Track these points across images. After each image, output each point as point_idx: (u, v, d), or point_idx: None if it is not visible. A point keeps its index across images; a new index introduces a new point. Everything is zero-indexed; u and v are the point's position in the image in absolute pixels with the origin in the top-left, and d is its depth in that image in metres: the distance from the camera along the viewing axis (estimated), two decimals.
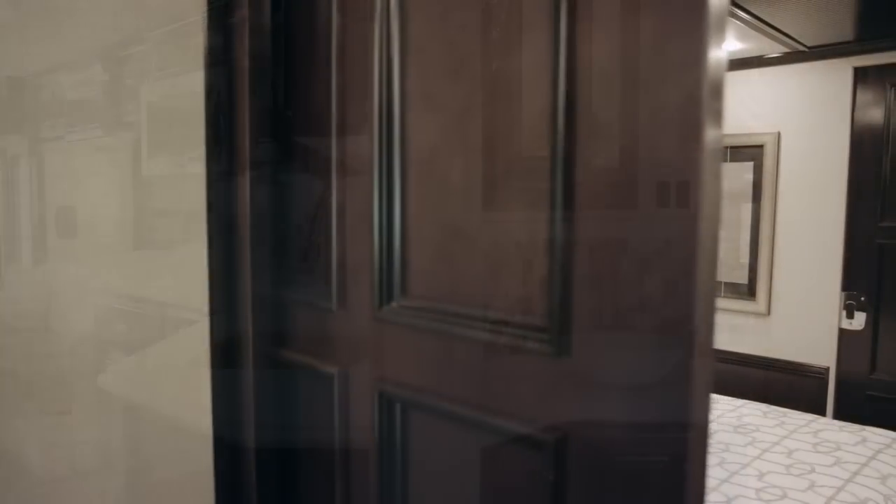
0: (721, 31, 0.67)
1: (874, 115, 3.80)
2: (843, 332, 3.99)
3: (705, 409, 0.71)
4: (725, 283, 4.43)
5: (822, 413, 4.04)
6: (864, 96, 3.84)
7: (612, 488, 0.80)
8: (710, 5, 0.65)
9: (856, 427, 3.41)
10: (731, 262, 4.41)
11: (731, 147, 4.36)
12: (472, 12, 0.93)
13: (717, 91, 0.67)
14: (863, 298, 3.93)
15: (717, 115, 0.67)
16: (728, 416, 3.66)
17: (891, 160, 3.78)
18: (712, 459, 3.02)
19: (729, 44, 3.86)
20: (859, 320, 3.95)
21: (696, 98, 0.66)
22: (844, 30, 3.57)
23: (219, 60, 1.23)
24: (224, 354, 1.29)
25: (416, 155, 1.03)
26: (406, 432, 1.09)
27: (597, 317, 0.80)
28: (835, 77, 3.89)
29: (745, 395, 4.09)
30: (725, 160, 4.41)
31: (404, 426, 1.09)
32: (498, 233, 0.92)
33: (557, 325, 0.83)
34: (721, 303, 4.43)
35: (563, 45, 0.79)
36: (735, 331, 4.40)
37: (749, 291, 4.31)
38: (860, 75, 3.84)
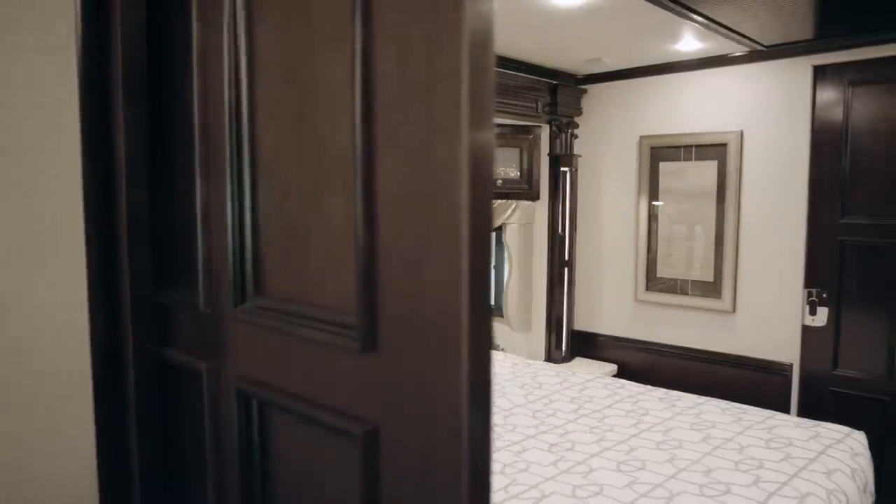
0: (487, 43, 0.69)
1: (834, 112, 3.80)
2: (806, 329, 4.01)
3: (485, 395, 0.74)
4: (692, 282, 4.45)
5: (787, 409, 4.06)
6: (824, 94, 3.84)
7: (417, 476, 0.83)
8: (468, 20, 0.68)
9: (811, 423, 3.42)
10: (699, 261, 4.43)
11: (696, 146, 4.38)
12: (301, 21, 0.96)
13: (480, 99, 0.69)
14: (825, 295, 3.94)
15: (482, 120, 0.70)
16: (687, 412, 3.66)
17: (850, 157, 3.78)
18: (662, 456, 3.03)
19: (688, 44, 3.88)
20: (822, 316, 3.96)
21: (457, 105, 0.69)
22: (803, 29, 3.58)
23: (93, 65, 1.26)
24: (105, 354, 1.32)
25: (261, 156, 1.06)
26: (263, 429, 1.11)
27: (398, 313, 0.83)
28: (795, 75, 3.90)
29: (710, 393, 4.10)
30: (690, 159, 4.43)
31: (262, 423, 1.11)
32: (325, 234, 0.95)
33: (364, 321, 0.86)
34: (688, 301, 4.45)
35: (358, 55, 0.82)
36: (701, 328, 4.42)
37: (714, 289, 4.34)
38: (819, 74, 3.84)
